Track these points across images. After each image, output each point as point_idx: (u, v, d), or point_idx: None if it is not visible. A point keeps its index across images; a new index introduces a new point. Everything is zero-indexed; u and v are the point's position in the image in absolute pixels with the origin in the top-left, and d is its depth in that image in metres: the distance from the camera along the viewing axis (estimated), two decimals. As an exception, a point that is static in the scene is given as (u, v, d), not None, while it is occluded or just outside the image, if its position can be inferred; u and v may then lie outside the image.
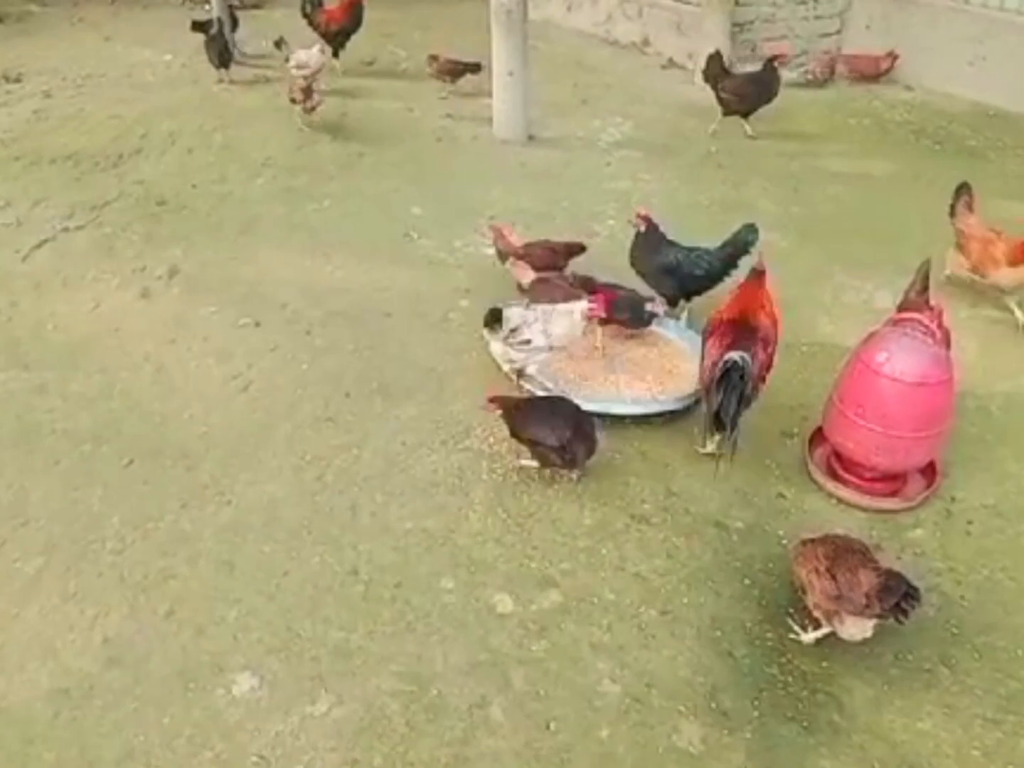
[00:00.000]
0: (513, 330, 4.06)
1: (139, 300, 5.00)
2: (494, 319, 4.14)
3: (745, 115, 7.22)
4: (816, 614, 3.03)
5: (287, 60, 7.49)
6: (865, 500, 3.65)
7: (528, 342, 4.04)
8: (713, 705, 2.90)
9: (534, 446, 3.69)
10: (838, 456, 3.76)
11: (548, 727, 2.84)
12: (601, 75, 8.79)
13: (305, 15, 8.50)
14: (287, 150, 6.87)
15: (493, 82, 6.99)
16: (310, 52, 7.52)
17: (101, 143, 6.85)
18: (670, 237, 4.69)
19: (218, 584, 3.30)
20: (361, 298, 4.99)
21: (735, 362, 3.49)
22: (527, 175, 6.53)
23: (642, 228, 4.63)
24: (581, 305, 4.10)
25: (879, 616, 2.89)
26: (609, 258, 5.11)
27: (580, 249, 4.87)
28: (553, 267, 4.73)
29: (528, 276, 4.68)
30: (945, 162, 6.93)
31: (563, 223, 5.80)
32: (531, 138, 7.09)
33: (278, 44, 7.67)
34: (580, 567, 3.38)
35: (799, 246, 5.57)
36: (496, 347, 4.15)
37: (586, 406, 4.02)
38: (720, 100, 7.21)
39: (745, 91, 7.14)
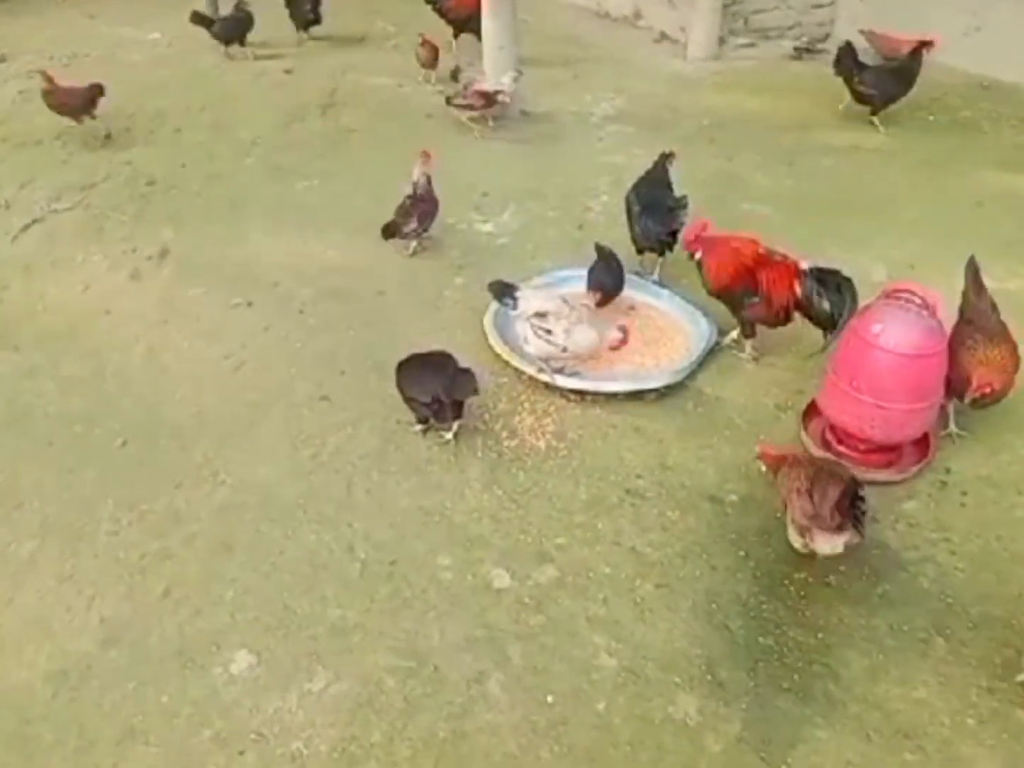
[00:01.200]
0: (541, 314, 4.03)
1: (129, 281, 4.97)
2: (504, 292, 4.13)
3: (881, 108, 6.91)
4: (793, 530, 3.22)
5: (464, 88, 6.73)
6: (860, 472, 3.65)
7: (549, 332, 4.01)
8: (709, 677, 2.91)
9: (409, 402, 3.75)
10: (832, 428, 3.76)
11: (545, 700, 2.86)
12: (593, 49, 8.71)
13: (429, 1, 8.03)
14: (276, 128, 6.81)
15: (484, 57, 6.93)
16: (506, 79, 6.67)
17: (88, 123, 6.77)
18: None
19: (214, 564, 3.30)
20: (354, 276, 4.96)
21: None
22: (519, 151, 6.49)
23: None
24: (613, 335, 4.06)
25: (839, 528, 3.06)
26: (604, 231, 5.09)
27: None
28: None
29: None
30: (939, 134, 6.90)
31: (556, 199, 5.77)
32: (523, 113, 7.04)
33: (455, 75, 7.15)
34: (576, 542, 3.39)
35: (793, 219, 5.53)
36: (520, 325, 4.11)
37: (580, 385, 4.03)
38: (856, 94, 6.92)
39: (886, 83, 6.84)
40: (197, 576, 3.26)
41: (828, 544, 3.12)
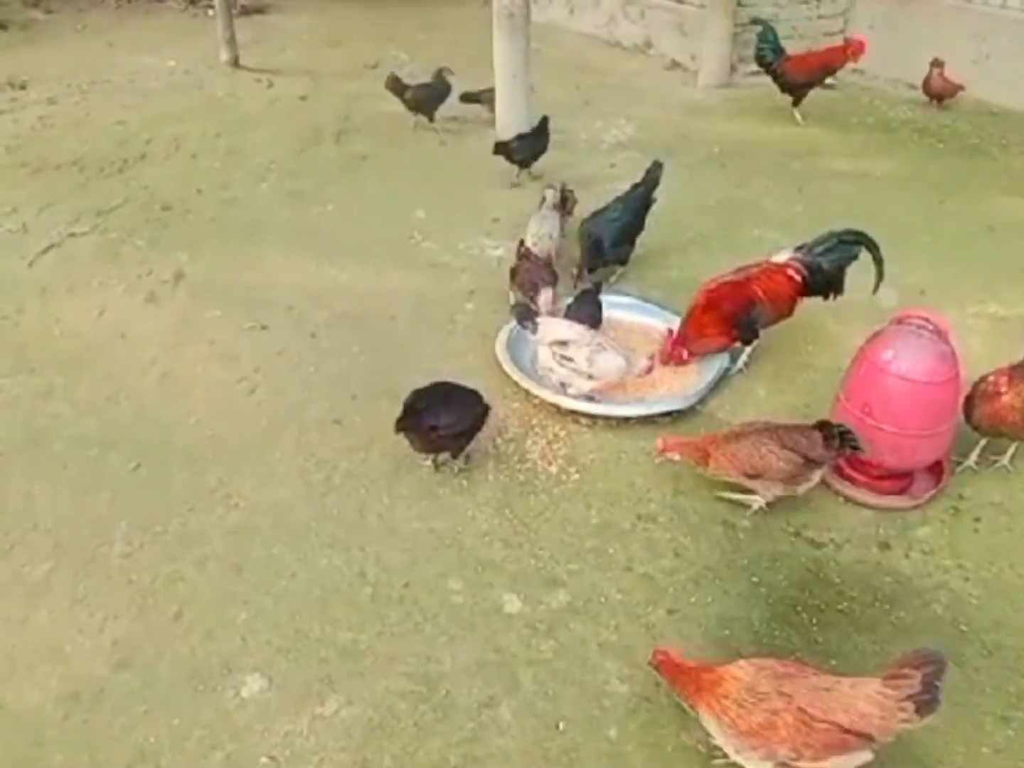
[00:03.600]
0: (562, 342, 4.05)
1: (145, 305, 5.02)
2: (527, 317, 4.16)
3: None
4: (770, 491, 3.47)
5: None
6: (872, 498, 3.65)
7: (571, 360, 4.03)
8: (722, 704, 2.90)
9: (427, 434, 3.71)
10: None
11: (557, 727, 2.84)
12: (604, 77, 8.81)
13: (763, 64, 7.62)
14: (291, 154, 6.89)
15: (496, 84, 7.00)
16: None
17: (106, 149, 6.88)
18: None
19: (226, 586, 3.31)
20: (366, 301, 5.00)
21: None
22: (529, 177, 6.54)
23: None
24: (643, 363, 4.11)
25: (832, 458, 3.45)
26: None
27: None
28: None
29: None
30: (948, 160, 6.93)
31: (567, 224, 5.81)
32: (534, 140, 7.09)
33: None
34: (587, 567, 3.38)
35: (803, 245, 5.55)
36: (543, 352, 4.14)
37: (592, 409, 4.05)
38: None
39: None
40: (209, 599, 3.27)
41: (816, 475, 3.47)
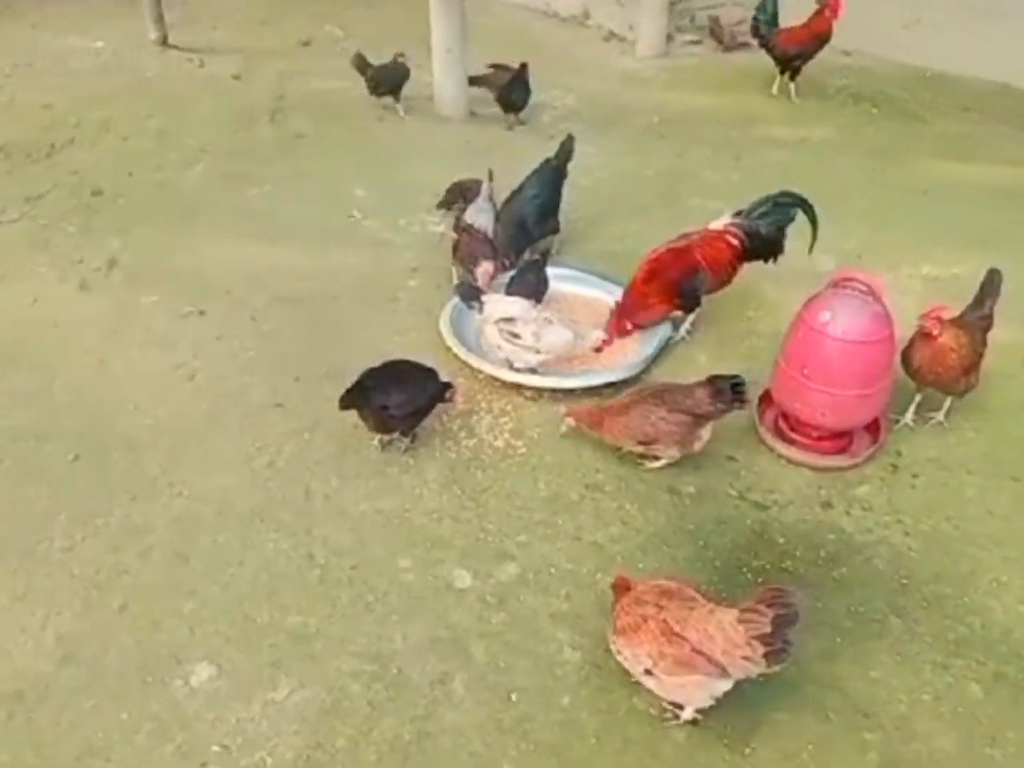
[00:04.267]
0: (508, 319, 4.04)
1: (79, 293, 4.88)
2: (471, 295, 4.13)
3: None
4: (668, 451, 3.57)
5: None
6: (813, 459, 3.72)
7: (517, 336, 4.02)
8: (672, 667, 2.94)
9: (377, 414, 3.72)
10: (786, 417, 3.81)
11: (510, 698, 2.87)
12: (542, 49, 8.70)
13: (757, 35, 7.42)
14: (225, 135, 6.73)
15: (432, 59, 6.92)
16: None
17: (32, 134, 6.64)
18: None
19: (172, 576, 3.27)
20: (307, 282, 4.92)
21: None
22: (470, 151, 6.47)
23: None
24: (596, 335, 4.13)
25: (725, 411, 3.49)
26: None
27: None
28: None
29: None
30: (883, 125, 7.02)
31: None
32: (473, 114, 7.03)
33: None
34: (536, 539, 3.40)
35: (743, 213, 5.60)
36: (489, 330, 4.13)
37: (536, 382, 4.05)
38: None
39: None
40: (154, 589, 3.22)
41: (709, 429, 3.57)
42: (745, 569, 3.28)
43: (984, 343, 3.79)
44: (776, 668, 2.54)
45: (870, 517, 3.51)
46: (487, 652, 2.99)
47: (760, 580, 3.23)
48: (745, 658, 2.51)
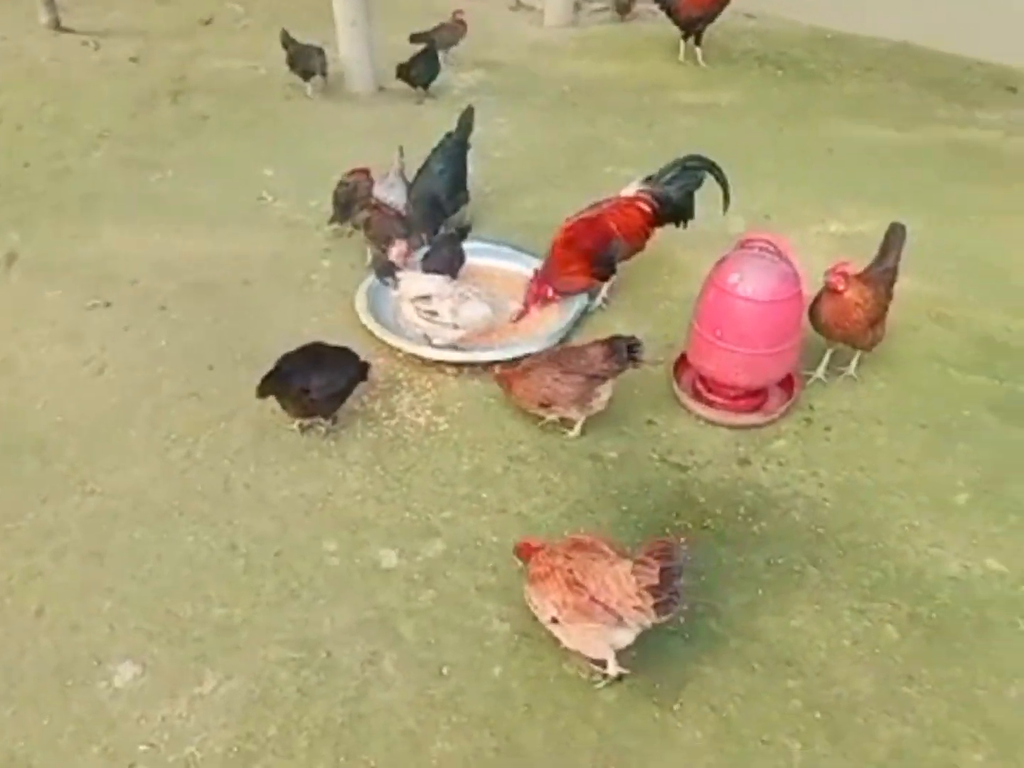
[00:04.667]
0: (424, 297, 3.99)
1: (-24, 290, 4.69)
2: (387, 272, 4.06)
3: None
4: (568, 411, 3.62)
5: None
6: (730, 418, 3.79)
7: (435, 313, 3.98)
8: (599, 630, 2.98)
9: (298, 397, 3.67)
10: (702, 379, 3.87)
11: (441, 673, 2.87)
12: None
13: (659, 1, 7.36)
14: (124, 119, 6.50)
15: (337, 34, 6.78)
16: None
17: (-84, 126, 6.33)
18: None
19: (88, 576, 3.18)
20: (217, 267, 4.80)
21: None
22: (381, 128, 6.37)
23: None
24: (513, 307, 4.13)
25: (619, 370, 3.54)
26: (471, 203, 5.08)
27: None
28: None
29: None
30: (787, 87, 7.14)
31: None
32: (381, 89, 6.92)
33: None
34: (461, 514, 3.40)
35: (655, 179, 5.63)
36: (406, 308, 4.08)
37: (455, 357, 4.04)
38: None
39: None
40: (71, 590, 3.13)
41: (607, 388, 3.61)
42: (668, 530, 3.33)
43: (889, 296, 3.90)
44: (664, 619, 2.63)
45: (786, 471, 3.60)
46: (416, 630, 2.99)
47: (683, 539, 3.28)
48: (637, 608, 2.61)
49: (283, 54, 6.74)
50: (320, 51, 6.66)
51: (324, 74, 6.67)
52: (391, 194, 4.73)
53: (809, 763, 2.66)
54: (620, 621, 2.65)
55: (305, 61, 6.67)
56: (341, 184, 4.87)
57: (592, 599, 2.64)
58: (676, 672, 2.86)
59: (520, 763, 2.65)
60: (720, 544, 3.28)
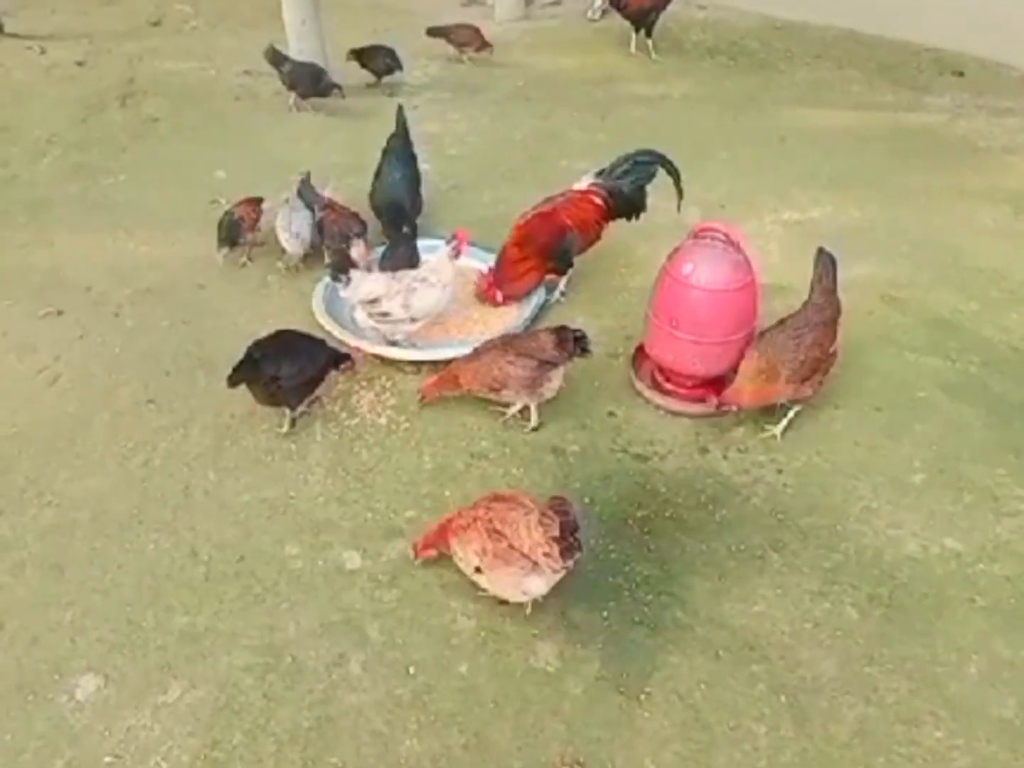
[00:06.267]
0: (373, 301, 3.95)
1: (-77, 303, 4.59)
2: (341, 269, 4.04)
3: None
4: (518, 396, 3.65)
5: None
6: (689, 407, 3.82)
7: (388, 314, 3.95)
8: (565, 622, 2.99)
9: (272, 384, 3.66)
10: (661, 369, 3.90)
11: (408, 672, 2.87)
12: (402, 16, 8.59)
13: None
14: (73, 124, 6.40)
15: (287, 33, 6.72)
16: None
17: None
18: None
19: (47, 589, 3.13)
20: (171, 272, 4.75)
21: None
22: (333, 127, 6.35)
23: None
24: (448, 286, 4.07)
25: (568, 358, 3.60)
26: (426, 199, 5.06)
27: None
28: None
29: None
30: (739, 77, 7.21)
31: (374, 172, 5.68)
32: (336, 87, 6.84)
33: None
34: (425, 512, 3.39)
35: (610, 171, 5.65)
36: (360, 314, 4.04)
37: (414, 355, 4.03)
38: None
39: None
40: (30, 604, 3.08)
41: (556, 375, 3.65)
42: (631, 521, 3.35)
43: (828, 339, 3.65)
44: (570, 564, 2.77)
45: (746, 458, 3.63)
46: (382, 630, 2.98)
47: (646, 529, 3.32)
48: (546, 555, 2.75)
49: (235, 54, 6.67)
50: (323, 70, 6.49)
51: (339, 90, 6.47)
52: (294, 221, 4.61)
53: (775, 747, 2.69)
54: (535, 567, 2.78)
55: (314, 83, 6.45)
56: (227, 213, 4.73)
57: (510, 545, 2.80)
58: (643, 662, 2.88)
59: (489, 759, 2.66)
60: (683, 533, 3.31)
